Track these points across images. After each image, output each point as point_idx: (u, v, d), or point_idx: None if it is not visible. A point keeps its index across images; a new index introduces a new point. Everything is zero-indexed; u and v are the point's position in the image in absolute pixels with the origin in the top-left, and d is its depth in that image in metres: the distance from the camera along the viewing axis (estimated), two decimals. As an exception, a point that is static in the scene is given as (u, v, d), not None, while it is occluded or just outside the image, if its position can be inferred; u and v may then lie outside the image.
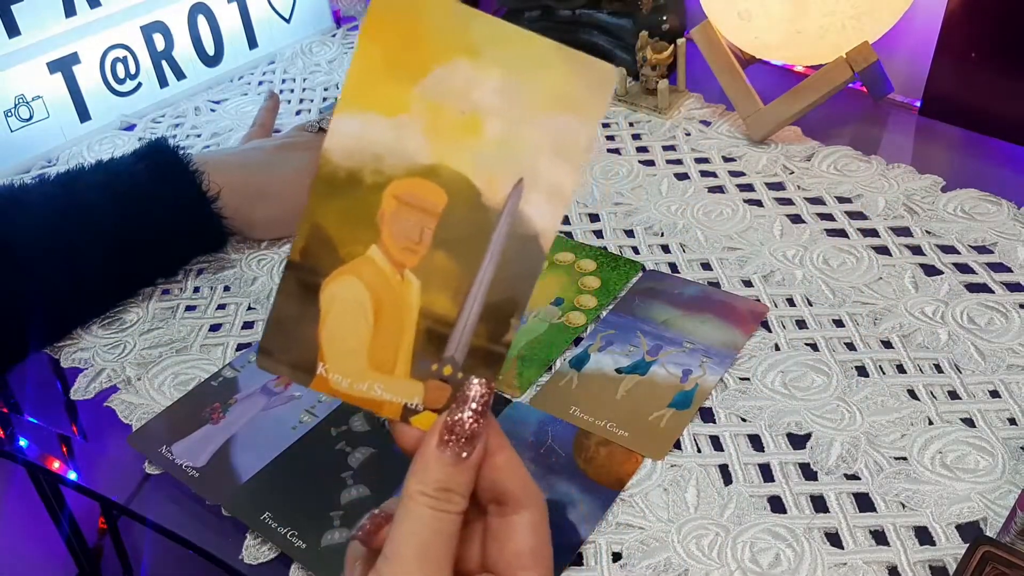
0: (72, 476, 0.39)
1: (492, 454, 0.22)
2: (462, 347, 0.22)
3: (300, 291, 0.22)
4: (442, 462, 0.21)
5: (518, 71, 0.21)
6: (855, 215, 0.50)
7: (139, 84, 0.63)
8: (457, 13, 0.21)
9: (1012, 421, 0.37)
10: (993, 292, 0.44)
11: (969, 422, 0.37)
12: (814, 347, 0.41)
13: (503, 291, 0.22)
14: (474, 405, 0.21)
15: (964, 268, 0.45)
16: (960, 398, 0.38)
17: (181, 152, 0.44)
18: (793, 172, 0.53)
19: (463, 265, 0.22)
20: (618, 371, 0.40)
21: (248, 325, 0.45)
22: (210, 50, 0.66)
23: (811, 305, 0.44)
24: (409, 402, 0.22)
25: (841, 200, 0.51)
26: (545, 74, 0.21)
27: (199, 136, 0.61)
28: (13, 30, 0.57)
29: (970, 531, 0.33)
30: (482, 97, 0.21)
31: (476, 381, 0.21)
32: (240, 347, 0.43)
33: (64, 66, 0.59)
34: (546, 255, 0.22)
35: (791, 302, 0.44)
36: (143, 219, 0.43)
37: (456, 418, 0.21)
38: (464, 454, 0.21)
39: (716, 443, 0.37)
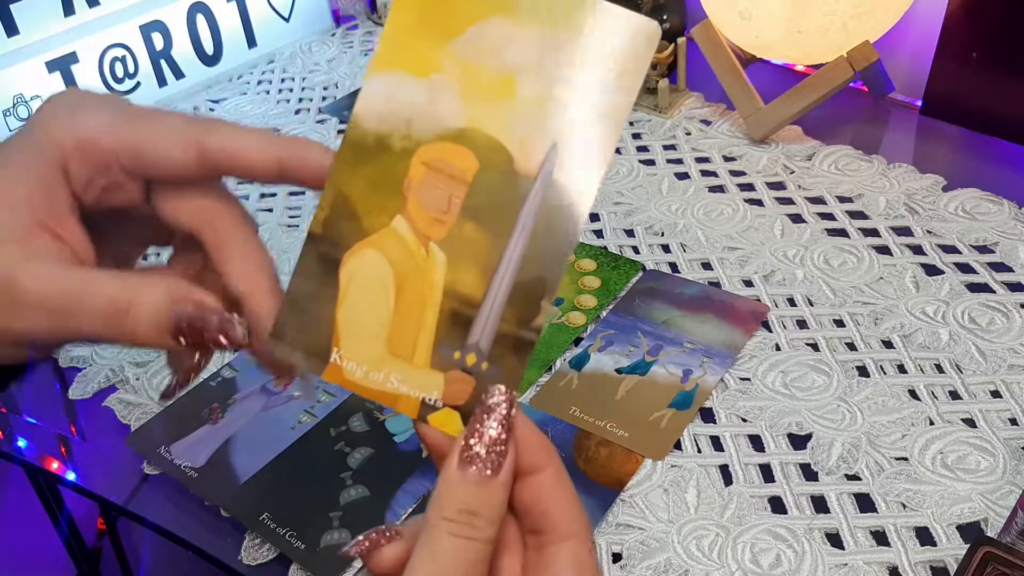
0: (71, 476, 0.39)
1: (534, 471, 0.19)
2: (488, 332, 0.20)
3: (319, 266, 0.20)
4: (465, 482, 0.18)
5: (555, 27, 0.20)
6: (856, 215, 0.49)
7: (138, 83, 0.63)
8: None
9: (1013, 421, 0.37)
10: (994, 292, 0.44)
11: (970, 422, 0.37)
12: (815, 347, 0.41)
13: (533, 269, 0.20)
14: (498, 414, 0.19)
15: (965, 268, 0.45)
16: (961, 398, 0.38)
17: None
18: (794, 172, 0.53)
19: (493, 238, 0.20)
20: (618, 371, 0.40)
21: (247, 325, 0.45)
22: (209, 49, 0.66)
23: (812, 305, 0.44)
24: (427, 397, 0.20)
25: (842, 200, 0.51)
26: (583, 30, 0.19)
27: (198, 135, 0.61)
28: (12, 29, 0.56)
29: (971, 531, 0.32)
30: (518, 55, 0.20)
31: (498, 388, 0.19)
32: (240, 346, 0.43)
33: (63, 65, 0.58)
34: (580, 229, 0.20)
35: (792, 302, 0.44)
36: None
37: (478, 430, 0.19)
38: (489, 471, 0.18)
39: (716, 443, 0.37)
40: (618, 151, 0.57)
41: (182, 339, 0.20)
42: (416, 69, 0.20)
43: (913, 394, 0.38)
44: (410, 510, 0.34)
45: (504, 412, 0.19)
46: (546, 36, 0.20)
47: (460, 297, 0.20)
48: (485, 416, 0.19)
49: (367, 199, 0.20)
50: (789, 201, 0.51)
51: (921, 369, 0.40)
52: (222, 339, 0.20)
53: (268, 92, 0.66)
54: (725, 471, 0.35)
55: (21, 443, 0.40)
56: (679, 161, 0.55)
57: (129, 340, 0.20)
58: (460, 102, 0.20)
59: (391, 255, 0.20)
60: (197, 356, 0.23)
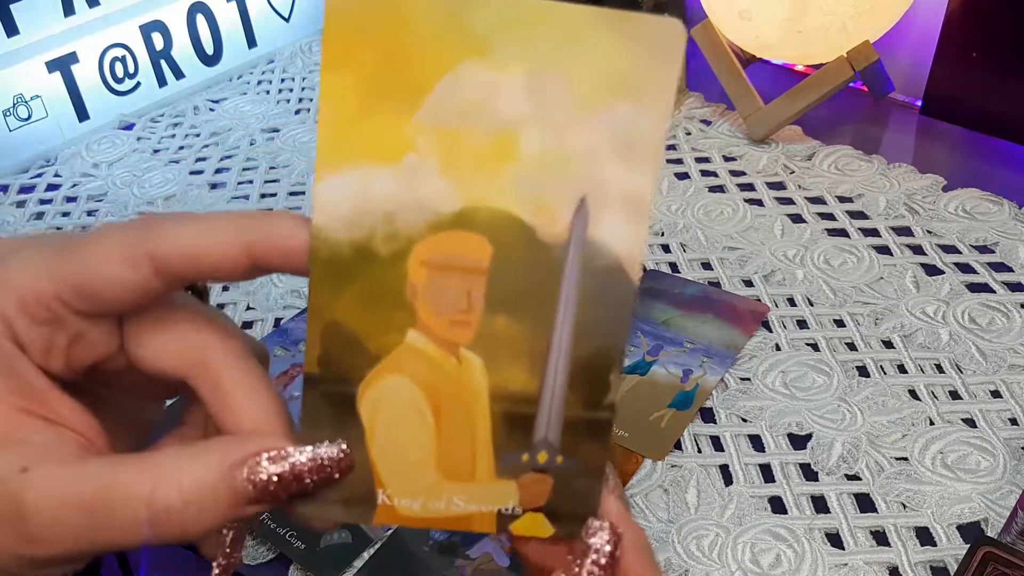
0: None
1: None
2: (554, 424, 0.17)
3: (330, 409, 0.17)
4: None
5: (548, 60, 0.15)
6: (856, 215, 0.49)
7: (138, 83, 0.63)
8: (449, 2, 0.15)
9: (1013, 421, 0.37)
10: (994, 292, 0.44)
11: (970, 422, 0.37)
12: (815, 347, 0.41)
13: (592, 342, 0.17)
14: (601, 558, 0.16)
15: (965, 268, 0.45)
16: (961, 398, 0.38)
17: None
18: (794, 171, 0.53)
19: (533, 324, 0.17)
20: (618, 371, 0.40)
21: (247, 325, 0.44)
22: (209, 49, 0.66)
23: (812, 305, 0.44)
24: (503, 508, 0.18)
25: (842, 199, 0.51)
26: (586, 54, 0.15)
27: (198, 136, 0.61)
28: (12, 29, 0.56)
29: (971, 531, 0.32)
30: (508, 106, 0.16)
31: (600, 528, 0.17)
32: (239, 347, 0.43)
33: (63, 65, 0.58)
34: (637, 283, 0.17)
35: (792, 302, 0.44)
36: None
37: (576, 573, 0.16)
38: None
39: (717, 443, 0.37)
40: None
41: (260, 504, 0.16)
42: (381, 156, 0.16)
43: (913, 394, 0.38)
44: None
45: (608, 555, 0.16)
46: (539, 73, 0.16)
47: (511, 397, 0.17)
48: (585, 559, 0.16)
49: (366, 321, 0.17)
50: (789, 201, 0.51)
51: (921, 369, 0.40)
52: (335, 476, 0.17)
53: (268, 92, 0.66)
54: (725, 471, 0.35)
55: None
56: (679, 161, 0.55)
57: (182, 537, 0.16)
58: (447, 180, 0.16)
59: (415, 374, 0.17)
60: (229, 543, 0.18)
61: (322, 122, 0.16)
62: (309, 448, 0.17)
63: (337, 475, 0.17)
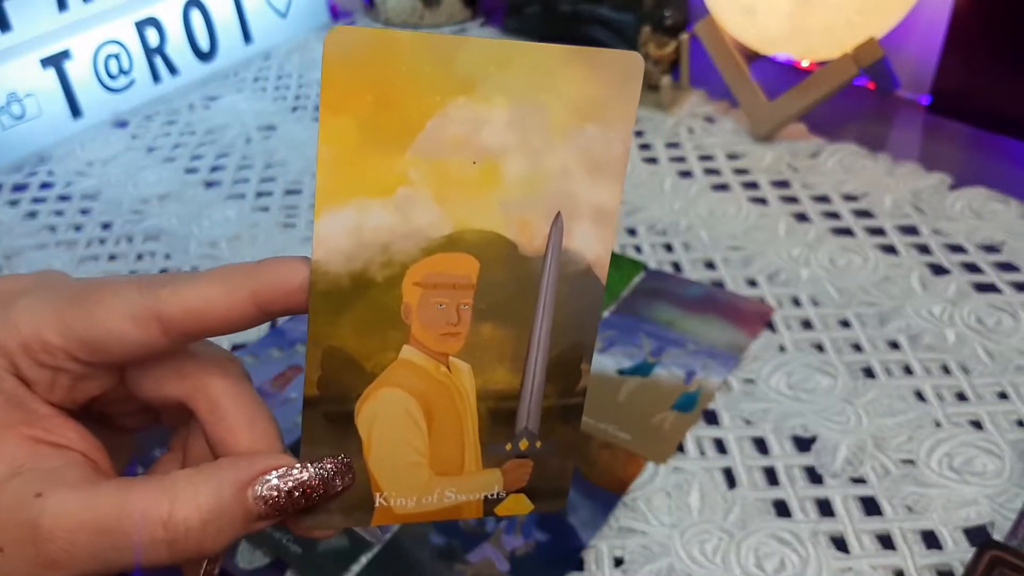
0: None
1: None
2: (534, 415, 0.19)
3: (329, 428, 0.18)
4: None
5: (526, 93, 0.17)
6: (861, 214, 0.49)
7: (132, 80, 0.62)
8: (437, 47, 0.17)
9: (1021, 423, 0.36)
10: (1001, 292, 0.43)
11: (977, 424, 0.36)
12: (820, 348, 0.41)
13: (567, 338, 0.19)
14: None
15: (972, 268, 0.45)
16: (968, 400, 0.38)
17: None
18: (798, 170, 0.53)
19: (515, 329, 0.19)
20: (620, 372, 0.40)
21: (243, 325, 0.44)
22: (204, 45, 0.66)
23: (817, 305, 0.43)
24: (489, 494, 0.20)
25: (847, 198, 0.50)
26: (558, 86, 0.17)
27: (193, 133, 0.60)
28: (4, 25, 0.56)
29: (978, 535, 0.32)
30: (492, 137, 0.17)
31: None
32: (235, 347, 0.43)
33: (56, 62, 0.58)
34: (603, 284, 0.19)
35: (796, 302, 0.43)
36: None
37: None
38: None
39: (720, 446, 0.36)
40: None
41: (271, 518, 0.17)
42: (376, 191, 0.17)
43: (919, 396, 0.38)
44: (409, 514, 0.34)
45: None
46: (519, 105, 0.17)
47: (495, 395, 0.19)
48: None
49: (363, 343, 0.18)
50: (794, 200, 0.50)
51: (927, 370, 0.39)
52: (339, 488, 0.18)
53: (264, 89, 0.65)
54: (729, 474, 0.35)
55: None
56: (682, 159, 0.55)
57: (199, 554, 0.17)
58: (439, 208, 0.18)
59: (409, 385, 0.19)
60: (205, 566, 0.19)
61: (321, 162, 0.17)
62: (313, 465, 0.18)
63: (340, 488, 0.18)
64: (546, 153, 0.18)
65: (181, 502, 0.16)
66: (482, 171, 0.18)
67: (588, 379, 0.20)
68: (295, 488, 0.17)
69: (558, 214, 0.18)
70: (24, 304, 0.17)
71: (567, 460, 0.20)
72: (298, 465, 0.18)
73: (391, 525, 0.33)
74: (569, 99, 0.18)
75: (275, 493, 0.17)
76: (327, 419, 0.18)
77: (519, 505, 0.20)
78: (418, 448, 0.19)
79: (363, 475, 0.19)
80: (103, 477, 0.17)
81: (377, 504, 0.19)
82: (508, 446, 0.20)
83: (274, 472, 0.17)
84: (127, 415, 0.20)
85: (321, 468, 0.18)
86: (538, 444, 0.20)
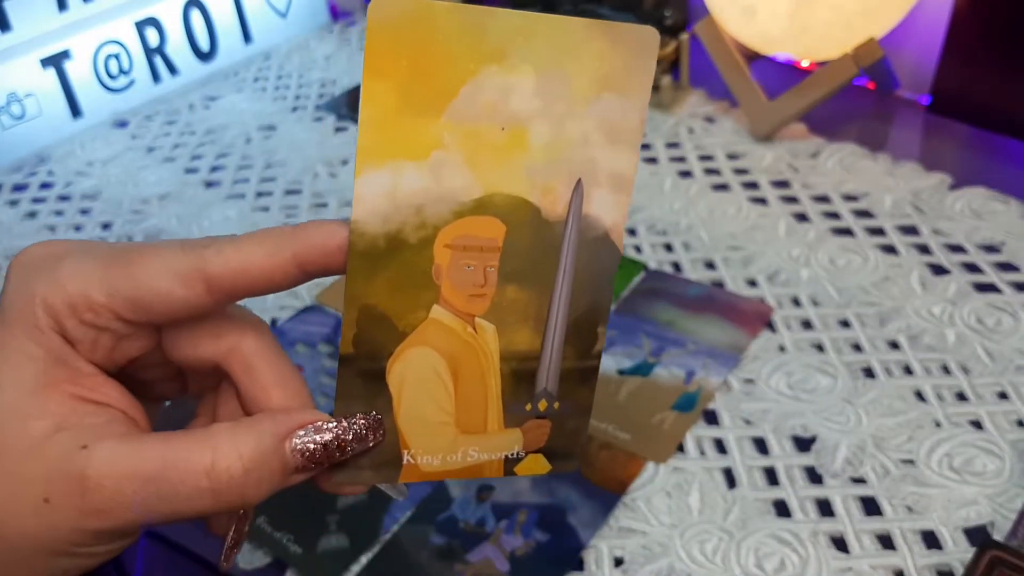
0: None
1: None
2: (553, 376, 0.20)
3: (363, 384, 0.19)
4: None
5: (551, 63, 0.18)
6: (861, 214, 0.49)
7: (132, 80, 0.62)
8: (470, 17, 0.17)
9: (1021, 423, 0.36)
10: (1001, 292, 0.43)
11: (977, 424, 0.36)
12: (820, 348, 0.41)
13: (584, 302, 0.20)
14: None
15: (972, 268, 0.45)
16: (968, 400, 0.38)
17: None
18: (798, 170, 0.53)
19: (537, 291, 0.20)
20: (620, 372, 0.40)
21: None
22: (204, 45, 0.66)
23: (817, 305, 0.43)
24: (510, 453, 0.20)
25: (847, 198, 0.50)
26: (580, 57, 0.18)
27: (193, 133, 0.60)
28: (4, 26, 0.56)
29: (978, 535, 0.32)
30: (520, 104, 0.18)
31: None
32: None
33: (56, 62, 0.58)
34: (620, 250, 0.20)
35: (796, 302, 0.43)
36: None
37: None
38: None
39: (720, 446, 0.36)
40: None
41: (307, 470, 0.18)
42: (412, 153, 0.18)
43: (919, 396, 0.38)
44: (409, 514, 0.34)
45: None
46: (544, 74, 0.18)
47: (518, 355, 0.20)
48: None
49: (396, 302, 0.19)
50: (794, 200, 0.50)
51: (927, 370, 0.39)
52: (370, 443, 0.19)
53: (264, 89, 0.65)
54: (729, 474, 0.35)
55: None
56: (682, 159, 0.55)
57: (241, 504, 0.17)
58: (470, 172, 0.18)
59: (438, 344, 0.19)
60: (237, 524, 0.20)
61: (363, 122, 0.18)
62: (348, 419, 0.19)
63: (372, 443, 0.19)
64: (569, 121, 0.19)
65: (223, 452, 0.17)
66: (510, 137, 0.18)
67: (603, 342, 0.20)
68: (331, 442, 0.18)
69: (579, 180, 0.19)
70: (70, 264, 0.17)
71: (582, 422, 0.21)
72: (333, 420, 0.18)
73: (391, 527, 0.33)
74: (590, 69, 0.18)
75: (312, 446, 0.18)
76: (361, 376, 0.19)
77: (537, 465, 0.21)
78: (445, 407, 0.20)
79: (392, 433, 0.19)
80: (146, 433, 0.18)
81: (405, 461, 0.20)
82: (528, 407, 0.20)
83: (310, 426, 0.18)
84: (159, 381, 0.21)
85: (354, 423, 0.18)
86: (556, 405, 0.20)
